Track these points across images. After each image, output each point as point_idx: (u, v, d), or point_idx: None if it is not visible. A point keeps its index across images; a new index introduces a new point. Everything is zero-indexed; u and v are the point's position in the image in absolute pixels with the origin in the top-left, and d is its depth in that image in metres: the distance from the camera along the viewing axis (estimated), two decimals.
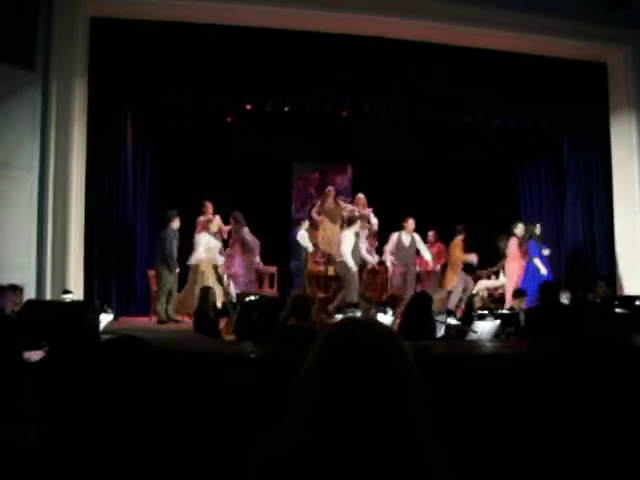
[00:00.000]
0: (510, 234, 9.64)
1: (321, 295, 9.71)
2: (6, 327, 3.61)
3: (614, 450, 1.56)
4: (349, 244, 9.24)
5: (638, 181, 9.80)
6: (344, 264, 9.22)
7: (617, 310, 6.63)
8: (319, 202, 11.32)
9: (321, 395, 1.20)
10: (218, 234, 9.82)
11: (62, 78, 7.85)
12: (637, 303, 7.18)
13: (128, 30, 8.44)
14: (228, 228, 10.16)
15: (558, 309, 5.94)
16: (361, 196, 10.97)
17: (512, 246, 9.54)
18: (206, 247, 9.13)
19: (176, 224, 9.17)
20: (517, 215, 12.46)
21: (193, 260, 9.14)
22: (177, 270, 9.11)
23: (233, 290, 9.23)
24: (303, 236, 9.74)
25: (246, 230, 9.96)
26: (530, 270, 9.26)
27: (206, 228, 9.39)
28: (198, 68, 8.82)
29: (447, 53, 9.32)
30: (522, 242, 9.48)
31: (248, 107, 9.79)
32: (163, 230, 9.15)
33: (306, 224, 10.09)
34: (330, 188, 11.39)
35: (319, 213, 11.05)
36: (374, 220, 10.69)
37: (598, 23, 9.22)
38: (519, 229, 9.63)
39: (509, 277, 9.50)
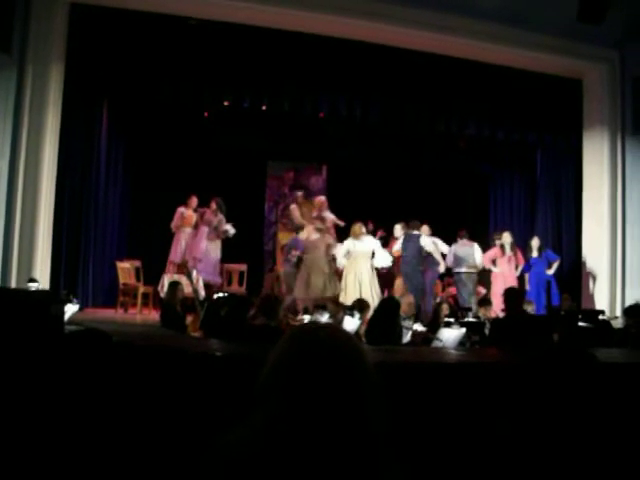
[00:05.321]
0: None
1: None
2: None
3: (575, 458, 1.59)
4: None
5: (607, 196, 9.98)
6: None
7: (580, 323, 6.70)
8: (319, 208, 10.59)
9: (281, 397, 1.23)
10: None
11: (38, 63, 7.72)
12: (600, 317, 7.28)
13: (108, 18, 8.31)
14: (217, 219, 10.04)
15: (523, 319, 6.01)
16: (322, 198, 10.62)
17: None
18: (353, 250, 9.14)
19: None
20: (486, 225, 12.65)
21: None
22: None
23: (201, 286, 9.18)
24: (428, 243, 9.45)
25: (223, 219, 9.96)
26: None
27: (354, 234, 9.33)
28: (177, 61, 8.75)
29: (425, 61, 9.40)
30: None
31: (226, 103, 9.73)
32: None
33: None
34: (299, 193, 11.33)
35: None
36: (330, 216, 10.29)
37: (577, 40, 9.37)
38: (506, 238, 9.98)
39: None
